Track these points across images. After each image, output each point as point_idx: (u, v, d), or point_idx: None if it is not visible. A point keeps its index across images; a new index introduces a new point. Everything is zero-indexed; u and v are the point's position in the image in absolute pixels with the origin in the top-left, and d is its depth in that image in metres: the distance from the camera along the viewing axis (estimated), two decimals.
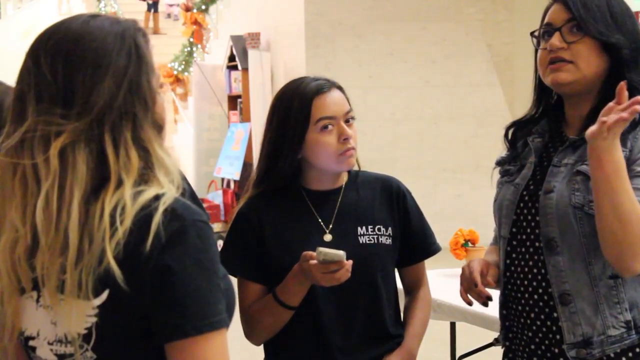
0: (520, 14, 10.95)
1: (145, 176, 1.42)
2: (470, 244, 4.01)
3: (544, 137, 2.18)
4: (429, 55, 10.65)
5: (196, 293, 1.37)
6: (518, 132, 2.27)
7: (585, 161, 2.02)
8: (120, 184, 1.39)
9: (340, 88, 2.35)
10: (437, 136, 10.64)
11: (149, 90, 1.44)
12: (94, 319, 1.40)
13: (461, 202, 10.51)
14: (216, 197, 11.05)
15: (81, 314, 1.39)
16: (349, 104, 2.35)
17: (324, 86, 2.31)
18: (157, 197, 1.39)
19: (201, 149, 12.39)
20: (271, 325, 2.32)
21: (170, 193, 1.41)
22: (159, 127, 1.46)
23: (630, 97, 2.01)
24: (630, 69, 2.05)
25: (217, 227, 10.60)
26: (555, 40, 2.10)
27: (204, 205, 10.69)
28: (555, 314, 2.06)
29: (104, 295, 1.38)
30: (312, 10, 10.45)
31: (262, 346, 2.43)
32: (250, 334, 2.37)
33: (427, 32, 10.67)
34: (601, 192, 1.91)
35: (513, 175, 2.19)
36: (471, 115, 10.69)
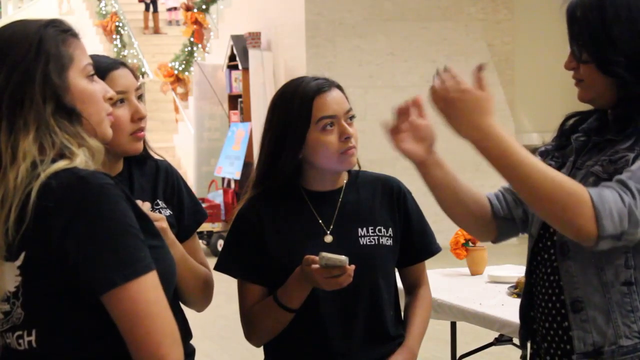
0: (521, 13, 10.94)
1: (61, 152, 1.57)
2: (470, 244, 4.01)
3: (589, 136, 2.06)
4: (430, 55, 10.65)
5: (114, 246, 1.51)
6: (575, 124, 2.14)
7: (598, 162, 1.95)
8: (14, 160, 1.55)
9: (339, 87, 2.35)
10: (437, 136, 10.62)
11: (44, 78, 1.59)
12: (20, 279, 1.55)
13: None
14: (217, 197, 11.05)
15: (10, 274, 1.56)
16: (349, 103, 2.34)
17: (324, 85, 2.31)
18: (65, 169, 1.54)
19: (202, 148, 12.38)
20: (271, 327, 2.32)
21: (77, 165, 1.56)
22: (68, 112, 1.60)
23: (631, 112, 1.93)
24: (634, 82, 1.93)
25: (217, 226, 10.60)
26: (567, 61, 2.01)
27: (205, 204, 10.73)
28: (567, 322, 1.98)
29: (22, 257, 1.54)
30: (312, 10, 10.45)
31: (262, 347, 2.42)
32: (251, 335, 2.37)
33: (427, 32, 10.67)
34: (504, 174, 1.87)
35: None
36: None
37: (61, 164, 1.54)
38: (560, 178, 1.84)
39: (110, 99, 1.71)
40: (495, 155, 1.91)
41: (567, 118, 2.15)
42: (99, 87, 1.68)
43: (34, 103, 1.58)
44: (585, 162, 2.00)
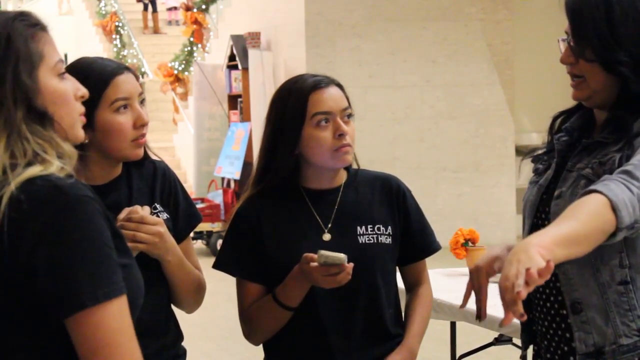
0: (521, 13, 10.94)
1: (35, 158, 1.46)
2: (470, 244, 4.01)
3: (572, 136, 2.07)
4: (430, 55, 10.65)
5: (86, 264, 1.40)
6: (561, 124, 2.12)
7: (589, 165, 1.95)
8: None
9: (339, 85, 2.35)
10: (437, 135, 10.64)
11: (14, 80, 1.47)
12: None
13: (461, 201, 10.50)
14: (216, 197, 11.06)
15: None
16: (348, 102, 2.34)
17: (321, 82, 2.31)
18: (40, 176, 1.43)
19: (201, 148, 12.39)
20: (270, 326, 2.32)
21: (54, 171, 1.45)
22: (40, 115, 1.49)
23: (631, 111, 1.91)
24: (637, 83, 1.92)
25: (217, 226, 10.60)
26: (564, 55, 2.00)
27: (205, 204, 10.72)
28: (565, 324, 1.99)
29: None
30: (312, 10, 10.45)
31: (261, 346, 2.42)
32: (250, 334, 2.37)
33: (427, 32, 10.67)
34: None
35: (540, 175, 2.10)
36: (471, 115, 10.69)
37: (35, 170, 1.44)
38: (591, 218, 1.78)
39: (82, 97, 1.59)
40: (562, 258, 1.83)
41: (554, 119, 2.14)
42: (70, 86, 1.56)
43: (5, 107, 1.46)
44: (576, 165, 2.00)
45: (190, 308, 2.38)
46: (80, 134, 1.58)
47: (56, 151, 1.48)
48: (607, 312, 1.94)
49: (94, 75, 2.15)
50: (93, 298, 1.40)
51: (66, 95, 1.54)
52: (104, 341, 1.40)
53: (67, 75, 1.57)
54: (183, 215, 2.34)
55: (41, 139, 1.47)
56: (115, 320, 1.41)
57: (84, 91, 1.59)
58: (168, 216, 2.29)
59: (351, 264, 2.15)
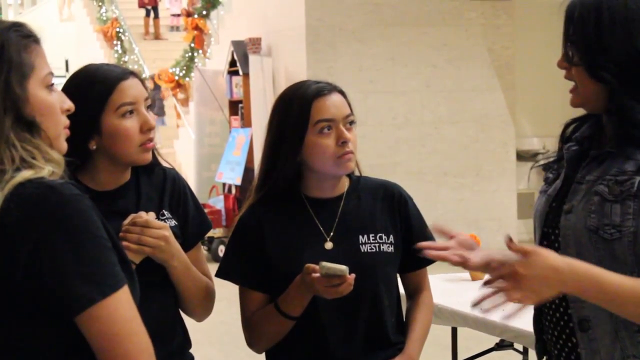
0: (521, 18, 10.95)
1: (23, 164, 1.49)
2: None
3: (583, 145, 2.03)
4: (430, 60, 10.66)
5: (89, 260, 1.45)
6: (572, 132, 2.08)
7: (603, 181, 1.91)
8: None
9: (341, 92, 2.35)
10: (438, 141, 10.63)
11: (5, 88, 1.51)
12: None
13: (462, 206, 10.49)
14: (217, 203, 11.05)
15: None
16: (350, 109, 2.34)
17: (324, 89, 2.31)
18: (32, 179, 1.47)
19: (202, 154, 12.38)
20: (273, 335, 2.32)
21: (45, 175, 1.48)
22: (28, 124, 1.52)
23: (620, 124, 1.90)
24: (622, 92, 1.88)
25: (218, 232, 10.60)
26: (560, 60, 1.98)
27: (206, 210, 10.70)
28: (575, 338, 1.97)
29: None
30: (313, 15, 10.46)
31: (263, 352, 2.42)
32: (252, 342, 2.37)
33: (428, 37, 10.68)
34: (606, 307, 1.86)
35: (550, 185, 2.06)
36: (472, 120, 10.68)
37: (27, 174, 1.47)
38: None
39: (68, 110, 1.63)
40: (592, 297, 1.86)
41: (566, 126, 2.11)
42: (57, 99, 1.60)
43: None
44: (586, 177, 1.96)
45: (199, 316, 2.38)
46: (64, 146, 1.61)
47: (44, 158, 1.51)
48: (615, 331, 1.91)
49: (99, 82, 2.16)
50: (101, 292, 1.44)
51: (53, 107, 1.58)
52: (122, 331, 1.45)
53: (55, 88, 1.60)
54: (193, 222, 2.34)
55: (30, 146, 1.51)
56: (125, 310, 1.46)
57: (69, 104, 1.63)
58: (176, 223, 2.29)
59: (353, 275, 2.15)
